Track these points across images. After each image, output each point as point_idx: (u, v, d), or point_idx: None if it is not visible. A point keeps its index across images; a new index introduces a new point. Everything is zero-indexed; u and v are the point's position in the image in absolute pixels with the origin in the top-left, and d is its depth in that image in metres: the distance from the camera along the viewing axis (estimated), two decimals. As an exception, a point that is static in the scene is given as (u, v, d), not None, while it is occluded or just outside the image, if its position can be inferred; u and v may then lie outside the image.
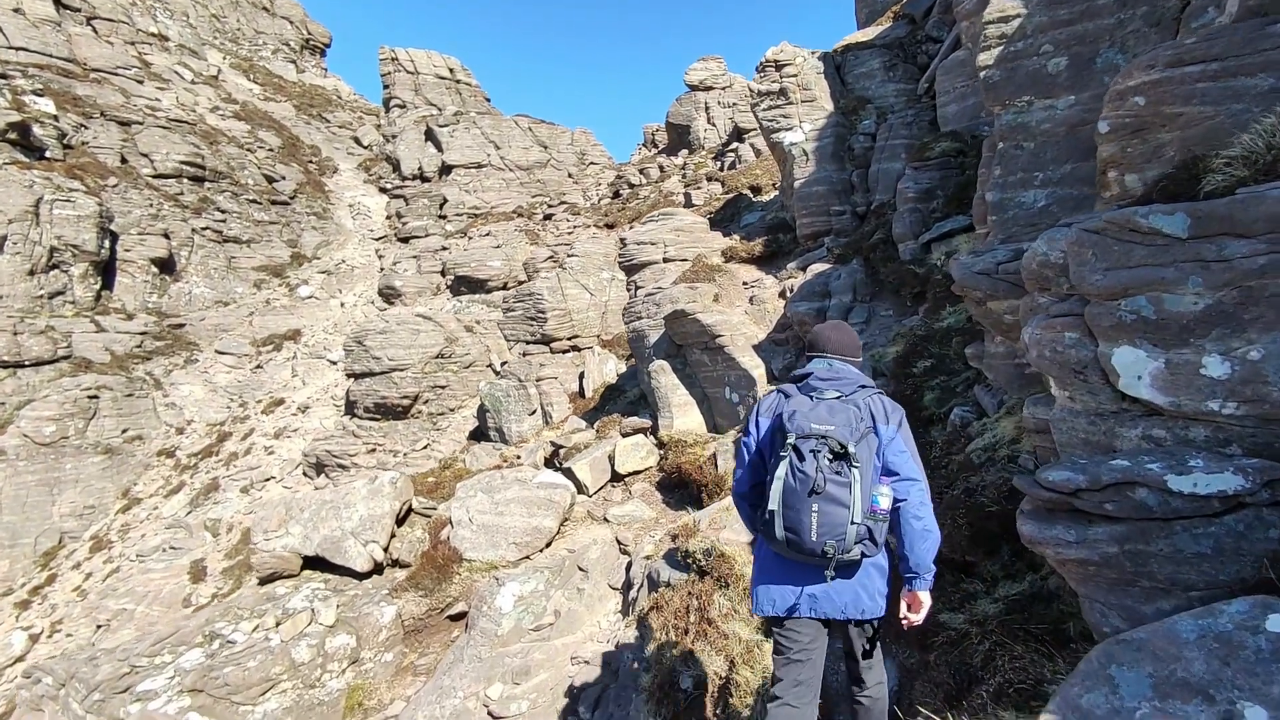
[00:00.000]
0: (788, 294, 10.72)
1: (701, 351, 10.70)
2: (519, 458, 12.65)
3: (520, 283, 27.19)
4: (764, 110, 13.48)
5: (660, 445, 10.82)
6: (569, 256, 21.11)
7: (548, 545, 9.37)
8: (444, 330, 24.34)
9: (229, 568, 19.09)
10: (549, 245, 29.33)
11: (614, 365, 18.36)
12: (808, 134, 12.83)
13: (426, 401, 23.51)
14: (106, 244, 28.44)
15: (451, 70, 48.49)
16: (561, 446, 12.06)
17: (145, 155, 32.55)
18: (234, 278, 33.37)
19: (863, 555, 2.58)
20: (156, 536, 22.05)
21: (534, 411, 18.99)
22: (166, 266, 30.83)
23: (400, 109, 44.39)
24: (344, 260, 36.54)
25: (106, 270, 28.90)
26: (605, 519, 9.55)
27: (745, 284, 11.45)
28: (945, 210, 8.08)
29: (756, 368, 10.12)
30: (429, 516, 10.80)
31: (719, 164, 31.67)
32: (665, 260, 11.78)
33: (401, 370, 23.33)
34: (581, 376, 19.10)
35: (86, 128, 31.32)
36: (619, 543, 8.98)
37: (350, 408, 24.68)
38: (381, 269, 35.55)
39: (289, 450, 24.51)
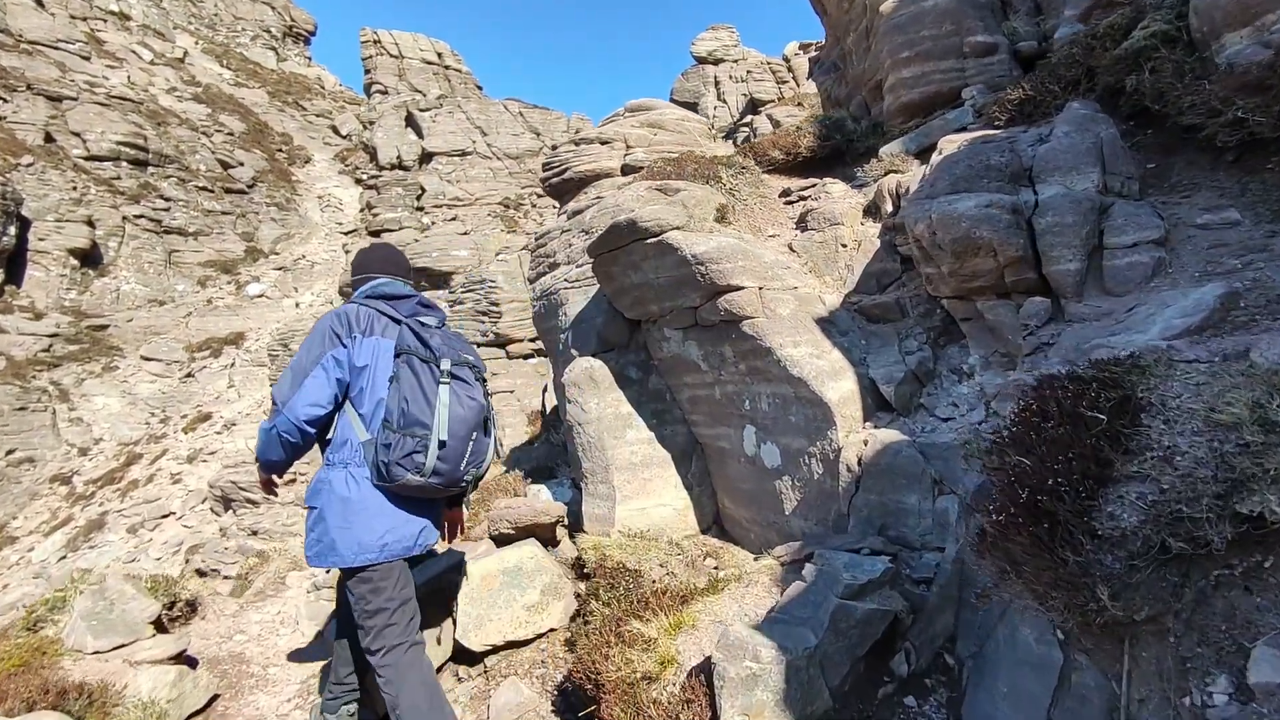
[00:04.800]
0: (890, 203, 4.30)
1: (686, 337, 4.34)
2: (317, 578, 5.55)
3: (491, 276, 22.66)
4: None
5: (581, 571, 4.02)
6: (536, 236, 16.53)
7: None
8: (390, 332, 19.82)
9: None
10: (528, 233, 24.82)
11: (585, 376, 13.62)
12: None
13: (364, 420, 18.94)
14: (13, 231, 24.40)
15: (440, 55, 44.59)
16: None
17: (76, 134, 28.65)
18: (174, 273, 29.22)
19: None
20: (19, 588, 17.57)
21: (480, 437, 14.26)
22: (90, 259, 26.73)
23: (382, 95, 40.45)
24: (304, 256, 32.34)
25: (14, 261, 24.84)
26: None
27: (785, 196, 5.02)
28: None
29: (831, 377, 3.63)
30: None
31: (730, 141, 27.07)
32: (625, 170, 5.65)
33: (333, 381, 18.80)
34: (545, 390, 14.38)
35: (7, 100, 27.46)
36: None
37: (277, 426, 20.19)
38: (345, 266, 31.23)
39: (199, 479, 20.02)
